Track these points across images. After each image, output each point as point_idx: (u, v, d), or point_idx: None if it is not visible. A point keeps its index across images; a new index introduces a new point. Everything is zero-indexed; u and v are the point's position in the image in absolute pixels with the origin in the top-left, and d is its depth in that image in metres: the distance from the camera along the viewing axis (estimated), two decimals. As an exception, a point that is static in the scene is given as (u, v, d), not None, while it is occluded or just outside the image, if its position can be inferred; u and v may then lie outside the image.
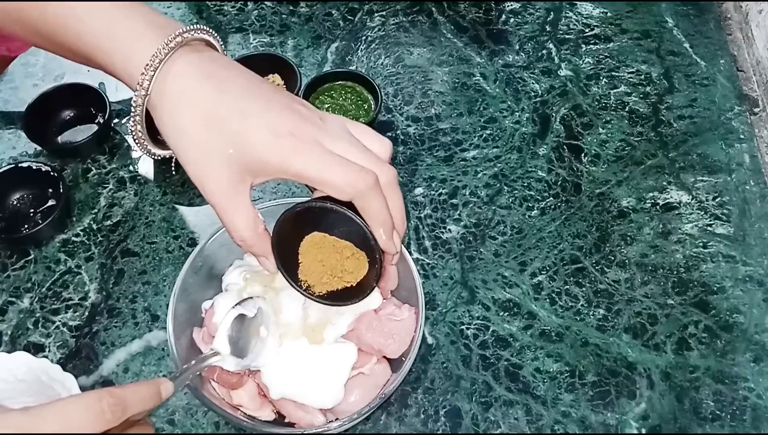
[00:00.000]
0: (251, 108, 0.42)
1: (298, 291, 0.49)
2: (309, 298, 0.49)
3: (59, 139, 0.76)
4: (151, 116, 0.44)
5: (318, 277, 0.49)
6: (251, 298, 0.54)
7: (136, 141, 0.45)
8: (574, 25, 0.89)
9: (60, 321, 0.63)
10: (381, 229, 0.45)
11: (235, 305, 0.52)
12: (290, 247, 0.49)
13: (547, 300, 0.65)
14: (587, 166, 0.75)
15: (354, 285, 0.49)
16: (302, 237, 0.49)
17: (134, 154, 0.75)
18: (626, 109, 0.80)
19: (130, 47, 0.42)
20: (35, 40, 0.47)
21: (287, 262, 0.48)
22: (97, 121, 0.76)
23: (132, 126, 0.44)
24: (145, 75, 0.41)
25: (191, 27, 0.43)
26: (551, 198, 0.72)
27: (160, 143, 0.46)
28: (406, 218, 0.47)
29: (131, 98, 0.43)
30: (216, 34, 0.45)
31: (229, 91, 0.42)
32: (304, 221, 0.48)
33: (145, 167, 0.74)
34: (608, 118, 0.79)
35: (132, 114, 0.43)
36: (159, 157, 0.47)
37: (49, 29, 0.44)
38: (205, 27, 0.44)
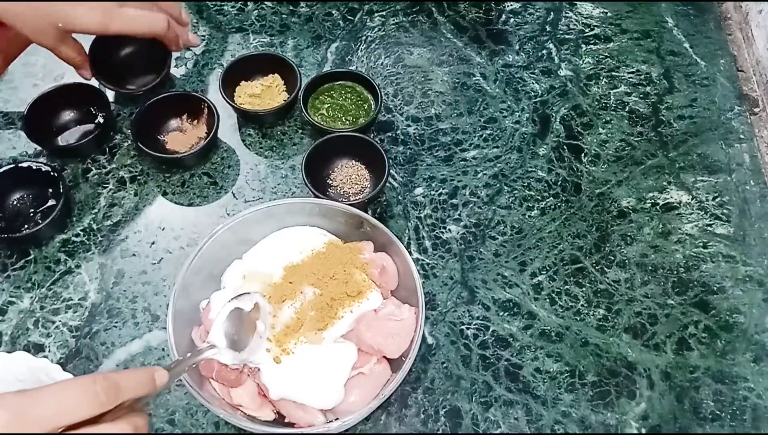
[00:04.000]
0: None
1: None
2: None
3: (59, 139, 0.76)
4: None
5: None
6: (248, 292, 0.54)
7: None
8: (574, 25, 0.89)
9: (60, 321, 0.63)
10: (170, 46, 0.72)
11: (231, 299, 0.52)
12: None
13: (547, 300, 0.65)
14: (587, 166, 0.75)
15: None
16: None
17: (135, 154, 0.75)
18: (626, 109, 0.80)
19: None
20: None
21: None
22: (97, 121, 0.76)
23: None
24: None
25: None
26: (551, 198, 0.72)
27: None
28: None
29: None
30: None
31: None
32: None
33: (146, 165, 0.74)
34: (608, 118, 0.79)
35: None
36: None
37: None
38: None
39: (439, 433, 0.57)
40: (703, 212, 0.71)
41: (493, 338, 0.62)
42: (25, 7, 0.61)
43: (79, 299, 0.65)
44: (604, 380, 0.60)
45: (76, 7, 0.62)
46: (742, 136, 0.77)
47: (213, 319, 0.54)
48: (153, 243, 0.68)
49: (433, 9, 0.90)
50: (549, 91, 0.82)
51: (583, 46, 0.86)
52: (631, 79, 0.83)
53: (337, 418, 0.53)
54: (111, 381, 0.37)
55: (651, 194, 0.73)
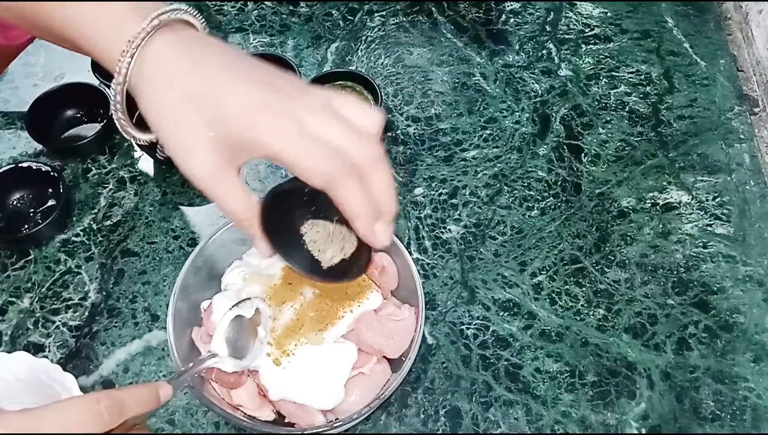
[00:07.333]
0: (224, 81, 0.40)
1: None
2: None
3: (59, 138, 0.76)
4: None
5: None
6: (249, 298, 0.54)
7: (119, 126, 0.44)
8: (574, 25, 0.89)
9: (60, 321, 0.63)
10: (356, 220, 0.40)
11: (233, 307, 0.52)
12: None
13: (547, 300, 0.65)
14: (587, 166, 0.75)
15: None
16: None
17: (135, 154, 0.75)
18: (626, 109, 0.80)
19: (112, 31, 0.40)
20: (24, 25, 0.45)
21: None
22: (97, 121, 0.76)
23: (113, 110, 0.42)
24: (124, 58, 0.40)
25: (170, 8, 0.41)
26: (551, 198, 0.72)
27: (146, 128, 0.44)
28: (396, 199, 0.42)
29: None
30: (197, 13, 0.43)
31: (204, 67, 0.40)
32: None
33: (146, 165, 0.74)
34: (608, 118, 0.79)
35: (112, 99, 0.42)
36: (144, 143, 0.46)
37: (36, 14, 0.43)
38: (185, 7, 0.42)
39: (439, 433, 0.57)
40: (703, 212, 0.71)
41: (493, 338, 0.62)
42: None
43: (79, 299, 0.65)
44: (604, 380, 0.60)
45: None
46: (742, 136, 0.77)
47: (215, 323, 0.53)
48: (153, 243, 0.68)
49: (433, 9, 0.90)
50: (549, 91, 0.82)
51: (583, 46, 0.86)
52: (631, 79, 0.83)
53: (337, 418, 0.53)
54: (115, 400, 0.37)
55: (651, 194, 0.72)
